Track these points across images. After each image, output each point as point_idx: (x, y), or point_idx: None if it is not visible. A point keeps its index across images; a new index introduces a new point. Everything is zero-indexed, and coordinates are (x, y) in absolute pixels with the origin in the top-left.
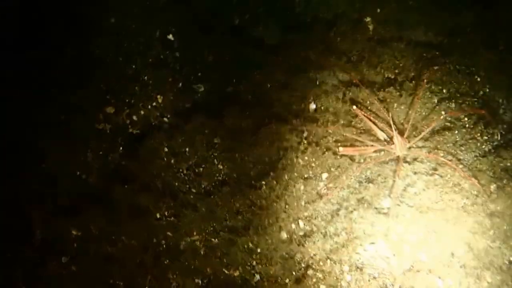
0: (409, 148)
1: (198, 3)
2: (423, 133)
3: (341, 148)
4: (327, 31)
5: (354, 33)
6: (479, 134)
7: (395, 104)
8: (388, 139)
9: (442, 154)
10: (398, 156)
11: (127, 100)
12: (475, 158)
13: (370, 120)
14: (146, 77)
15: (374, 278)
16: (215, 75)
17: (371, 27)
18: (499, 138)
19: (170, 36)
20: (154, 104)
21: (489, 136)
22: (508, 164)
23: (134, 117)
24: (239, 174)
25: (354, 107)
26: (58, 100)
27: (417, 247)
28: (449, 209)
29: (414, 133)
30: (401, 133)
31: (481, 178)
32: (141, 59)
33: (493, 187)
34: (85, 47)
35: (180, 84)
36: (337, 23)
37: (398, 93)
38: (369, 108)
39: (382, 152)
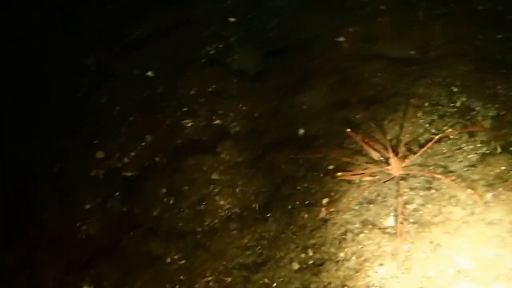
0: (405, 167)
1: (173, 38)
2: (419, 153)
3: (339, 173)
4: (305, 54)
5: (331, 53)
6: (464, 144)
7: (385, 122)
8: (383, 159)
9: (432, 167)
10: (395, 176)
11: (116, 144)
12: (466, 169)
13: (364, 141)
14: (132, 118)
15: None
16: (201, 109)
17: (346, 46)
18: (484, 146)
19: (150, 73)
20: (144, 144)
21: (474, 145)
22: (498, 170)
23: (126, 160)
24: (242, 208)
25: (348, 129)
26: (51, 149)
27: (424, 264)
28: (450, 222)
29: (404, 148)
30: (395, 152)
31: (476, 188)
32: (125, 99)
33: (489, 195)
34: (68, 91)
35: (167, 121)
36: (313, 45)
37: (385, 110)
38: (361, 128)
39: (378, 174)
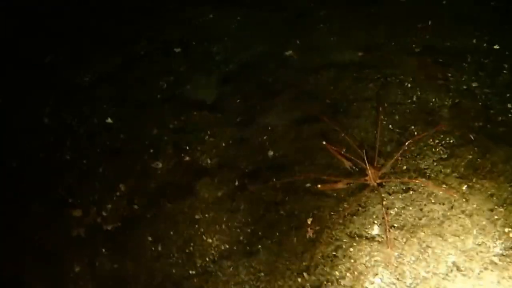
0: (381, 174)
1: (123, 78)
2: (392, 160)
3: (319, 185)
4: (257, 73)
5: (283, 69)
6: (430, 140)
7: (351, 130)
8: (357, 169)
9: (405, 167)
10: (373, 185)
11: (90, 198)
12: (436, 164)
13: (338, 153)
14: (100, 169)
15: None
16: (167, 147)
17: (296, 59)
18: (448, 138)
19: (109, 120)
20: (119, 194)
21: (439, 139)
22: (467, 160)
23: (104, 213)
24: (231, 243)
25: (324, 142)
26: (25, 219)
27: (416, 266)
28: (432, 221)
29: (377, 156)
30: (369, 161)
31: (450, 181)
32: (89, 152)
33: (464, 187)
34: (29, 154)
35: (137, 166)
36: (263, 63)
37: (348, 118)
38: (329, 139)
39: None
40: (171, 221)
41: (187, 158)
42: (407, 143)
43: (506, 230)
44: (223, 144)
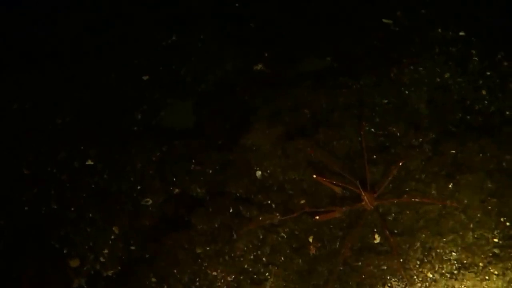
0: (377, 197)
1: (97, 114)
2: (385, 182)
3: (317, 217)
4: (230, 92)
5: (255, 84)
6: (414, 140)
7: (335, 143)
8: (347, 194)
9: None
10: (371, 209)
11: (85, 246)
12: (423, 163)
13: (330, 183)
14: (90, 214)
15: None
16: (154, 182)
17: (267, 72)
18: (430, 135)
19: (90, 161)
20: (113, 237)
21: (422, 137)
22: (451, 156)
23: (102, 259)
24: (237, 273)
25: (314, 176)
26: (22, 278)
27: (423, 269)
28: (430, 221)
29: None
30: (363, 184)
31: (438, 181)
32: (75, 198)
33: (450, 185)
34: (13, 210)
35: (127, 205)
36: (234, 81)
37: (331, 129)
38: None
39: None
40: (172, 258)
41: (177, 190)
42: (399, 164)
43: (502, 219)
44: (210, 171)
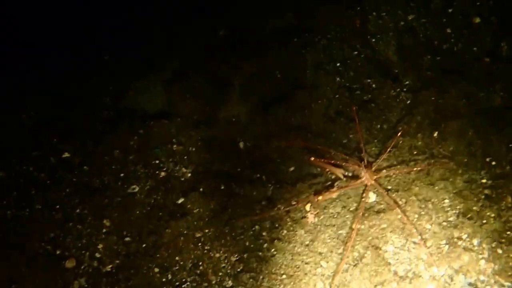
0: (375, 171)
1: (55, 105)
2: (383, 156)
3: (319, 198)
4: (196, 65)
5: (220, 54)
6: (392, 90)
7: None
8: (349, 175)
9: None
10: (370, 184)
11: (78, 244)
12: (405, 113)
13: (328, 163)
14: (78, 210)
15: None
16: (138, 168)
17: (229, 36)
18: (406, 82)
19: (66, 154)
20: (105, 230)
21: (400, 86)
22: (433, 104)
23: (98, 255)
24: (241, 252)
25: (312, 158)
26: (22, 280)
27: (421, 222)
28: (420, 172)
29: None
30: (362, 162)
31: (424, 129)
32: (58, 197)
33: (436, 134)
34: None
35: (114, 196)
36: (198, 51)
37: (312, 94)
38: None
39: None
40: (174, 246)
41: (162, 174)
42: (393, 141)
43: (487, 159)
44: (193, 149)
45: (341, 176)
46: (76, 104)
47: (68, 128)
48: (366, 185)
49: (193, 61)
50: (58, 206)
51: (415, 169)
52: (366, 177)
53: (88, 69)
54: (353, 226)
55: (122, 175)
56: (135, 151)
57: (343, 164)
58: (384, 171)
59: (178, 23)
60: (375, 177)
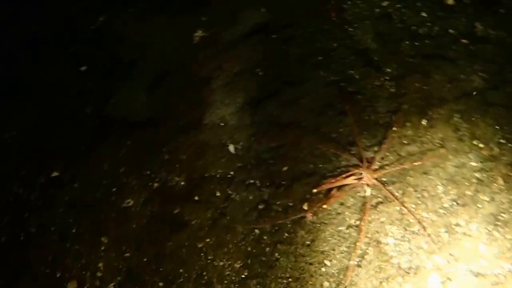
0: (375, 171)
1: (37, 122)
2: (381, 153)
3: (314, 190)
4: (176, 68)
5: (199, 55)
6: (376, 80)
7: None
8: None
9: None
10: (372, 184)
11: (78, 264)
12: (391, 102)
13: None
14: (74, 229)
15: None
16: (130, 180)
17: (206, 36)
18: (388, 69)
19: (55, 173)
20: (104, 248)
21: (382, 73)
22: (418, 91)
23: (99, 274)
24: (244, 258)
25: (314, 190)
26: None
27: (419, 212)
28: (414, 161)
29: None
30: (362, 163)
31: (413, 119)
32: (52, 215)
33: (424, 122)
34: None
35: (109, 211)
36: (176, 53)
37: (293, 91)
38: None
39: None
40: (177, 259)
41: (156, 185)
42: (388, 138)
43: (475, 142)
44: (184, 157)
45: (351, 182)
46: (58, 119)
47: (53, 145)
48: (367, 185)
49: (173, 64)
50: (53, 227)
51: (414, 163)
52: (367, 177)
53: (66, 81)
54: (361, 227)
55: (114, 189)
56: (125, 163)
57: (344, 175)
58: (384, 169)
59: (153, 23)
60: (375, 175)
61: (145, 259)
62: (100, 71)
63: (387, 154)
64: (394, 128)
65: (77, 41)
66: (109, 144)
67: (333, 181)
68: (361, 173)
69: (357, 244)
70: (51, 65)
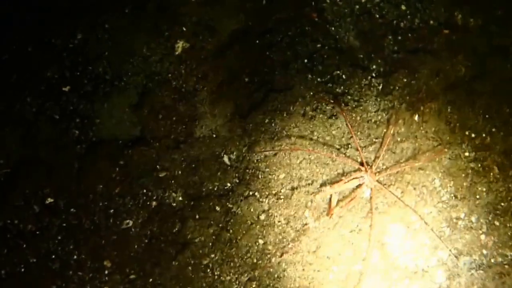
0: (377, 174)
1: (24, 148)
2: (381, 155)
3: (317, 196)
4: (160, 82)
5: (182, 67)
6: (364, 79)
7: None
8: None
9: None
10: (374, 186)
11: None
12: (380, 99)
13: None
14: (75, 256)
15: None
16: (126, 200)
17: (187, 48)
18: (375, 66)
19: (49, 200)
20: (108, 272)
21: (368, 72)
22: (406, 86)
23: None
24: (250, 272)
25: (317, 196)
26: None
27: (419, 209)
28: (409, 159)
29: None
30: (364, 167)
31: (404, 115)
32: (51, 243)
33: (416, 117)
34: None
35: (109, 234)
36: (159, 67)
37: (281, 98)
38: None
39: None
40: (182, 277)
41: (154, 203)
42: (384, 138)
43: (466, 133)
44: (179, 172)
45: (356, 183)
46: (45, 144)
47: (44, 172)
48: (371, 189)
49: (156, 79)
50: (53, 256)
51: (416, 164)
52: (369, 180)
53: (47, 105)
54: (369, 232)
55: (111, 211)
56: (120, 184)
57: (346, 178)
58: (385, 171)
59: (131, 40)
60: (376, 178)
61: (150, 280)
62: (81, 92)
63: (383, 153)
64: (390, 128)
65: (55, 61)
66: (100, 166)
67: (335, 186)
68: (363, 177)
69: (368, 250)
70: (30, 90)
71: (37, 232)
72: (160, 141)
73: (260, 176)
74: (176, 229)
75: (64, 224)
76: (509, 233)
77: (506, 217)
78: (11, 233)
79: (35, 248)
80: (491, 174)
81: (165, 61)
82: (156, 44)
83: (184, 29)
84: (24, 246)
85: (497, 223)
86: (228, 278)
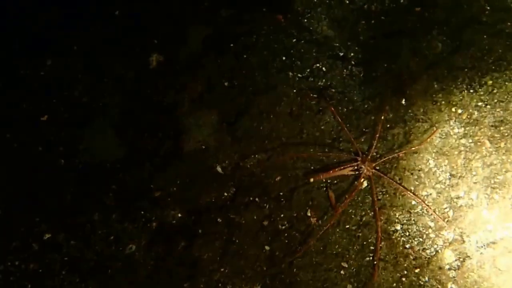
0: (373, 161)
1: (11, 185)
2: (375, 143)
3: (311, 179)
4: (138, 99)
5: (158, 81)
6: (345, 70)
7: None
8: (356, 172)
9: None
10: (371, 174)
11: None
12: (364, 88)
13: (333, 172)
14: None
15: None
16: (125, 224)
17: (161, 60)
18: (352, 55)
19: (47, 235)
20: None
21: (352, 64)
22: (389, 73)
23: None
24: (262, 281)
25: (311, 179)
26: None
27: (419, 193)
28: (403, 145)
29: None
30: (360, 156)
31: (394, 103)
32: (55, 281)
33: (403, 101)
34: None
35: (114, 263)
36: (134, 83)
37: (266, 100)
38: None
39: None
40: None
41: (154, 224)
42: (379, 126)
43: (453, 109)
44: (174, 189)
45: (349, 174)
46: (32, 177)
47: (36, 207)
48: (369, 177)
49: (134, 97)
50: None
51: (412, 149)
52: (367, 169)
53: (28, 138)
54: (377, 224)
55: (112, 237)
56: (116, 209)
57: (342, 166)
58: (381, 158)
59: (103, 59)
60: (373, 164)
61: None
62: (59, 119)
63: (374, 142)
64: (380, 115)
65: (28, 92)
66: (93, 193)
67: (330, 172)
68: (361, 167)
69: (377, 244)
70: (7, 125)
71: (40, 270)
72: (150, 159)
73: (256, 182)
74: (181, 247)
75: (66, 258)
76: (509, 205)
77: (504, 189)
78: (14, 276)
79: (41, 286)
80: (483, 148)
81: (141, 77)
82: (130, 59)
83: (156, 41)
84: (30, 286)
85: (496, 196)
86: None
